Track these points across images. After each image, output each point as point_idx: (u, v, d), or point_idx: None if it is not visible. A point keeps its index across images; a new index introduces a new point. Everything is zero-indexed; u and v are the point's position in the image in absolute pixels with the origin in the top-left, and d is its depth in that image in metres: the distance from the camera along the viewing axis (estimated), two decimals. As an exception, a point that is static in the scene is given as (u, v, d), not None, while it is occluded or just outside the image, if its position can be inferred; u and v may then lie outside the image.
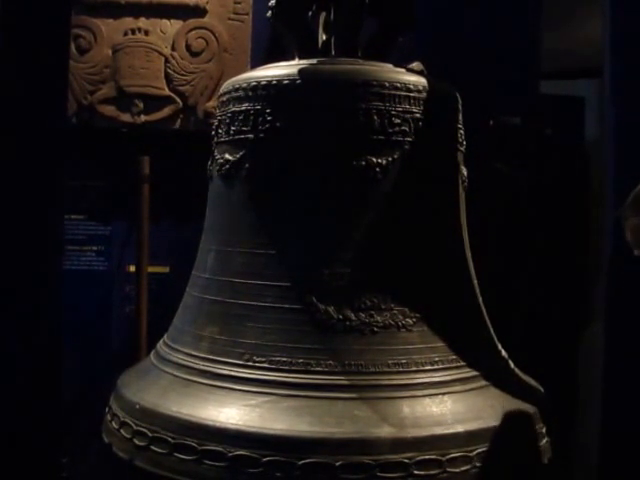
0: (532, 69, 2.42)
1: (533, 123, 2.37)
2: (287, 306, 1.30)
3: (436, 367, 1.30)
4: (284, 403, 1.23)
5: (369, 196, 1.33)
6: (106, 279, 2.43)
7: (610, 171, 1.50)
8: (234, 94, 1.43)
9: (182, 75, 2.32)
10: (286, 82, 1.37)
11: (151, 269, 2.30)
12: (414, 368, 1.28)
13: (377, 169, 1.33)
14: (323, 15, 1.57)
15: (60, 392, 1.46)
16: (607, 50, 1.52)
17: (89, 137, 2.27)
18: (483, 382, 1.33)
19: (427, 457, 1.18)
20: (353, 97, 1.34)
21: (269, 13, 1.49)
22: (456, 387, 1.29)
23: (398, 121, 1.35)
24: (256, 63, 2.15)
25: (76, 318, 2.16)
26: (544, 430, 1.34)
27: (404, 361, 1.28)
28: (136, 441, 1.28)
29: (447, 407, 1.25)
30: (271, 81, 1.38)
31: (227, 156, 1.42)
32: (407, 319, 1.31)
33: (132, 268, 2.35)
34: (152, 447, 1.25)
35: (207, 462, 1.20)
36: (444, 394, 1.27)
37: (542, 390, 1.44)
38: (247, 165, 1.39)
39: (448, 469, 1.19)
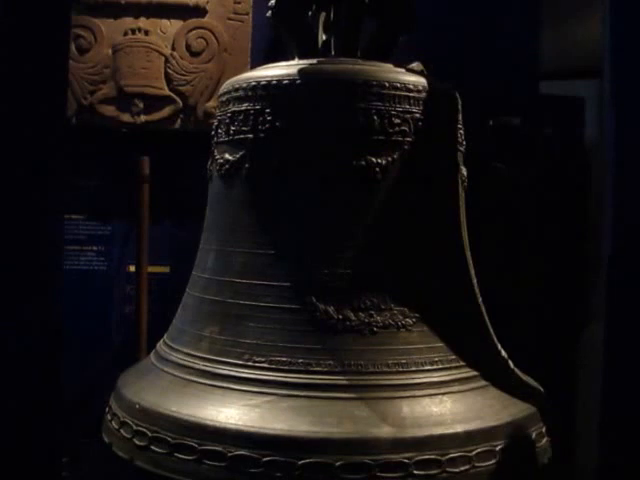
0: (532, 69, 2.42)
1: (533, 123, 2.37)
2: (287, 306, 1.30)
3: (436, 367, 1.30)
4: (284, 403, 1.23)
5: (369, 196, 1.33)
6: (106, 279, 2.43)
7: (610, 171, 1.49)
8: (234, 94, 1.43)
9: (182, 75, 2.32)
10: (286, 82, 1.37)
11: (151, 269, 2.30)
12: (414, 368, 1.28)
13: (377, 169, 1.33)
14: (323, 15, 1.57)
15: (60, 392, 1.46)
16: (607, 50, 1.52)
17: (89, 137, 2.27)
18: (483, 382, 1.33)
19: (427, 457, 1.19)
20: (353, 97, 1.34)
21: (269, 13, 1.50)
22: (456, 387, 1.29)
23: (398, 121, 1.35)
24: (256, 63, 2.16)
25: (76, 318, 2.16)
26: (544, 430, 1.34)
27: (404, 361, 1.28)
28: (136, 441, 1.29)
29: (447, 407, 1.25)
30: (271, 81, 1.38)
31: (227, 156, 1.42)
32: (407, 319, 1.31)
33: (132, 268, 2.35)
34: (152, 447, 1.26)
35: (207, 462, 1.20)
36: (444, 394, 1.27)
37: (542, 390, 1.45)
38: (247, 165, 1.39)
39: (448, 469, 1.19)
